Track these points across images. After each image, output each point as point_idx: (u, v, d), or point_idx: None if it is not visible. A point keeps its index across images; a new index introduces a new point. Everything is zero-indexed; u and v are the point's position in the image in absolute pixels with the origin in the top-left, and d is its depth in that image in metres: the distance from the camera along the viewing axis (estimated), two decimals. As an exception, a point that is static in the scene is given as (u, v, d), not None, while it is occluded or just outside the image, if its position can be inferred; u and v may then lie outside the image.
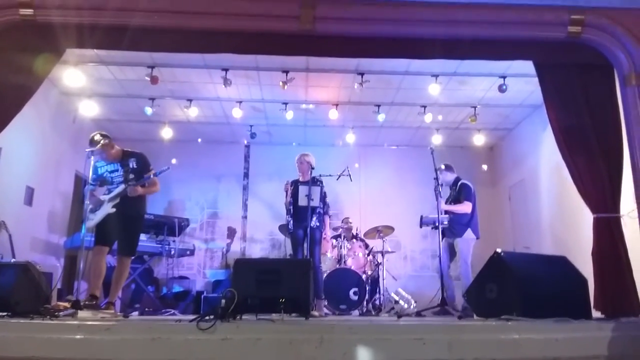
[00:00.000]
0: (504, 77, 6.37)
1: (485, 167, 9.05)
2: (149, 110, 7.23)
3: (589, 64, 4.40)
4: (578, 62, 4.42)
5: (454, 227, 5.72)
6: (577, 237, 5.84)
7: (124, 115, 7.94)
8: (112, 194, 4.69)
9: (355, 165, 8.44)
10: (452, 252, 5.80)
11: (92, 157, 4.54)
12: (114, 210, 4.62)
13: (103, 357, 2.84)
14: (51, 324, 3.08)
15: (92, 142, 4.65)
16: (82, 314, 3.82)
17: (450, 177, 6.11)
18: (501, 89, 6.38)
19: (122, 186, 4.70)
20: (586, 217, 4.38)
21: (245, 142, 8.82)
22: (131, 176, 4.76)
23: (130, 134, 8.56)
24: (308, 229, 5.27)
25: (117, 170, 4.81)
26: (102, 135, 4.74)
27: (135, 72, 6.51)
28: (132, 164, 4.82)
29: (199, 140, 8.64)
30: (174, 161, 8.13)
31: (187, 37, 4.33)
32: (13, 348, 2.87)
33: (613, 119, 4.31)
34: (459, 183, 5.99)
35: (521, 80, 6.42)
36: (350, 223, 7.51)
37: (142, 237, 6.75)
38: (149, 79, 6.31)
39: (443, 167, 6.00)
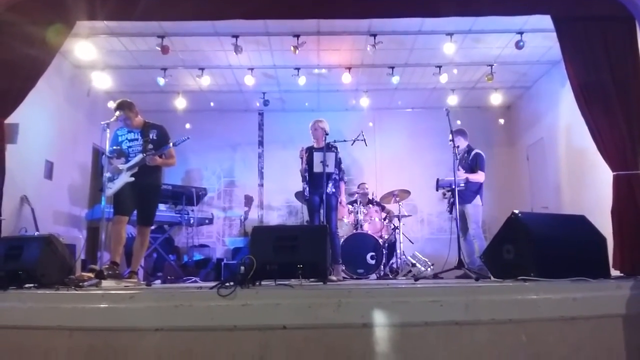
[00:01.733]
0: (521, 33, 6.19)
1: (502, 121, 8.88)
2: (161, 81, 7.22)
3: (608, 16, 4.26)
4: (597, 14, 4.28)
5: (465, 193, 5.82)
6: (596, 196, 5.76)
7: (137, 87, 7.93)
8: (130, 163, 4.74)
9: (370, 124, 8.36)
10: (462, 218, 5.87)
11: (108, 129, 4.58)
12: (132, 179, 4.67)
13: (127, 324, 2.93)
14: (76, 294, 3.17)
15: (120, 107, 4.73)
16: (105, 283, 3.93)
17: (463, 143, 6.12)
18: (518, 45, 6.22)
19: (140, 155, 4.74)
20: (606, 176, 4.32)
21: (258, 106, 8.73)
22: (150, 147, 4.80)
23: (144, 105, 8.45)
24: (324, 195, 5.28)
25: (137, 140, 4.85)
26: (128, 102, 4.82)
27: (146, 42, 6.47)
28: (153, 135, 4.86)
29: (212, 104, 8.55)
30: (187, 126, 8.18)
31: (197, 4, 4.30)
32: (41, 318, 2.98)
33: (634, 74, 4.20)
34: (473, 152, 6.05)
35: (539, 36, 6.22)
36: (367, 188, 7.51)
37: (162, 207, 6.87)
38: (159, 49, 6.29)
39: (452, 134, 5.93)
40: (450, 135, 5.14)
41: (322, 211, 5.37)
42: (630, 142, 4.12)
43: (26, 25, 4.18)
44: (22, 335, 2.96)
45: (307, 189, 5.46)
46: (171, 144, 4.84)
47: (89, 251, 7.19)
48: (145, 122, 4.97)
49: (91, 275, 4.01)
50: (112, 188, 4.67)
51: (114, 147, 4.81)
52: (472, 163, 5.99)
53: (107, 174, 4.64)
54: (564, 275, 3.30)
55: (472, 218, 5.85)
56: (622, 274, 3.90)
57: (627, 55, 4.24)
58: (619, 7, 4.12)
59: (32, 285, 3.43)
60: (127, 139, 4.85)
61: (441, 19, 5.62)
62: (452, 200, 5.69)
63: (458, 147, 5.63)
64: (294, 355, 2.87)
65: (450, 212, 5.99)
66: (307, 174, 5.46)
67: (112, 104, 4.93)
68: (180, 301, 2.97)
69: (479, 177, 5.93)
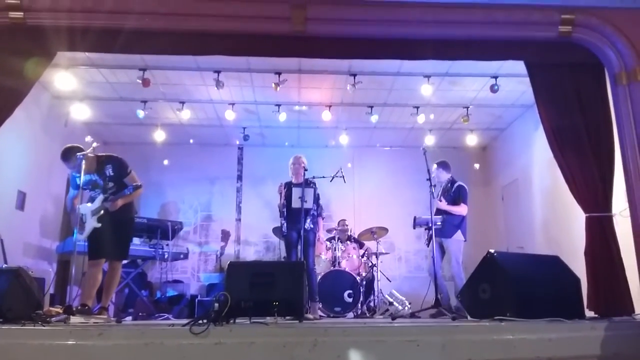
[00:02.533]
0: (496, 77, 6.39)
1: (477, 165, 9.07)
2: (141, 113, 7.19)
3: (580, 63, 4.43)
4: (569, 61, 4.45)
5: (446, 227, 5.71)
6: (570, 237, 5.87)
7: (116, 119, 7.90)
8: (94, 207, 4.57)
9: (348, 165, 8.43)
10: (442, 252, 5.81)
11: (84, 160, 4.45)
12: (99, 225, 4.52)
13: (95, 362, 2.82)
14: (43, 330, 3.06)
15: (63, 160, 4.53)
16: (74, 319, 3.79)
17: (445, 175, 6.07)
18: (493, 89, 6.40)
19: (101, 196, 4.59)
20: (579, 217, 4.40)
21: (238, 142, 8.76)
22: (110, 184, 4.66)
23: (122, 137, 8.54)
24: (302, 231, 5.27)
25: (94, 181, 4.66)
26: (64, 152, 4.57)
27: (127, 74, 6.48)
28: (109, 171, 4.66)
29: (191, 141, 8.55)
30: (165, 162, 8.12)
31: (179, 39, 4.32)
32: (4, 355, 2.85)
33: (604, 118, 4.34)
34: (457, 184, 5.96)
35: (513, 80, 6.45)
36: (347, 225, 7.51)
37: (136, 240, 6.72)
38: (140, 81, 6.28)
39: (436, 165, 5.99)
40: (428, 174, 5.22)
41: (299, 247, 5.34)
42: (602, 184, 4.22)
43: (4, 56, 4.15)
44: (-17, 373, 2.83)
45: (285, 224, 5.44)
46: (129, 189, 4.62)
47: (58, 285, 6.97)
48: (98, 158, 4.69)
49: (59, 310, 3.87)
50: (82, 234, 4.50)
51: (75, 186, 4.64)
52: (455, 195, 5.89)
53: (79, 213, 4.48)
54: (540, 315, 3.33)
55: (453, 255, 5.67)
56: (596, 315, 3.94)
57: (597, 100, 4.39)
58: (589, 54, 4.31)
59: (-4, 320, 3.30)
60: (84, 182, 4.56)
61: (419, 62, 5.81)
62: (430, 233, 5.58)
63: (435, 185, 5.67)
64: (267, 396, 2.80)
65: (428, 245, 5.87)
66: (285, 210, 5.46)
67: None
68: (151, 339, 2.89)
69: (461, 209, 5.78)
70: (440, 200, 5.74)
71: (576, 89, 4.44)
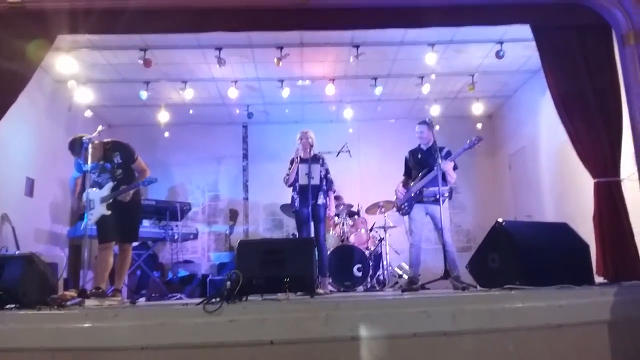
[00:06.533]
0: (501, 43, 6.29)
1: (479, 125, 8.67)
2: (144, 94, 7.17)
3: (586, 25, 4.34)
4: (575, 24, 4.36)
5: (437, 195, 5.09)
6: (578, 203, 5.84)
7: (120, 101, 7.87)
8: (102, 194, 4.62)
9: (350, 130, 8.33)
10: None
11: (91, 144, 4.46)
12: (109, 212, 4.58)
13: (112, 344, 2.88)
14: (58, 314, 3.11)
15: (74, 149, 4.55)
16: (89, 302, 3.85)
17: (428, 135, 5.43)
18: (498, 55, 6.30)
19: (110, 184, 4.64)
20: (587, 183, 4.37)
21: (245, 112, 8.45)
22: (118, 171, 4.69)
23: (126, 119, 8.52)
24: (313, 207, 5.28)
25: (102, 168, 4.69)
26: (70, 143, 4.60)
27: (128, 55, 6.42)
28: (117, 158, 4.70)
29: (191, 112, 8.27)
30: (166, 134, 8.13)
31: (180, 16, 4.28)
32: (23, 339, 2.91)
33: (612, 81, 4.27)
34: (446, 149, 5.37)
35: (519, 45, 6.33)
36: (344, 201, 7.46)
37: (145, 222, 6.79)
38: (142, 62, 6.25)
39: (424, 125, 5.47)
40: (434, 145, 5.17)
41: (310, 223, 5.35)
42: (610, 149, 4.18)
43: (6, 39, 4.13)
44: (3, 358, 2.89)
45: (298, 199, 5.43)
46: (139, 183, 4.69)
47: (71, 270, 7.06)
48: (105, 147, 4.72)
49: (74, 294, 3.93)
50: (90, 219, 4.55)
51: (78, 174, 4.68)
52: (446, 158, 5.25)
53: (88, 197, 4.52)
54: (549, 282, 3.34)
55: (446, 223, 5.12)
56: (605, 281, 3.95)
57: (605, 63, 4.32)
58: (596, 16, 4.21)
59: (13, 305, 3.35)
60: (91, 167, 4.59)
61: (423, 30, 5.69)
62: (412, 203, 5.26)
63: (425, 137, 5.39)
64: (282, 371, 2.85)
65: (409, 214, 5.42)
66: (297, 184, 5.45)
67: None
68: (166, 319, 2.94)
69: (455, 175, 5.32)
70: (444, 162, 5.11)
71: (583, 52, 4.36)
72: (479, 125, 8.64)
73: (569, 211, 6.33)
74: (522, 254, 3.55)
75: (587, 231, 4.08)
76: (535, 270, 3.43)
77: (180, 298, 5.44)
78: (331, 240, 6.90)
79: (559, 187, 6.95)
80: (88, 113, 7.93)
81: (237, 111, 8.35)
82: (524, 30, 4.71)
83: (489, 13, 4.39)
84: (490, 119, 9.28)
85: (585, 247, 3.76)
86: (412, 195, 5.34)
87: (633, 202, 4.09)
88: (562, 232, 3.91)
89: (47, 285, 3.65)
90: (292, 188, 5.57)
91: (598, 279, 3.91)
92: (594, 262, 3.89)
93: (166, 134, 8.42)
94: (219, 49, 6.26)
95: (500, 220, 3.83)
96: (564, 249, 3.70)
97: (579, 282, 3.40)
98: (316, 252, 4.42)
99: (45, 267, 3.75)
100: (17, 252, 5.40)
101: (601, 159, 4.19)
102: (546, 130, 7.22)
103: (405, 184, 5.57)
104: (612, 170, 4.15)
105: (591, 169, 4.25)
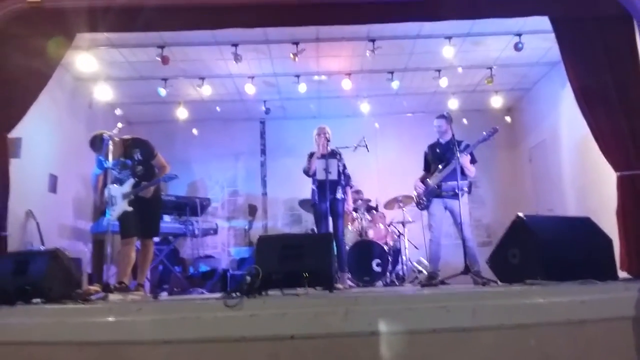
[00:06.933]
0: (520, 35, 6.19)
1: (508, 118, 8.67)
2: (162, 91, 7.24)
3: (607, 15, 4.27)
4: (596, 14, 4.29)
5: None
6: (601, 197, 5.74)
7: (139, 98, 7.96)
8: (124, 190, 4.71)
9: (376, 125, 8.31)
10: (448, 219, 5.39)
11: (111, 141, 4.55)
12: (131, 209, 4.66)
13: (135, 337, 2.92)
14: (83, 308, 3.18)
15: (94, 146, 4.66)
16: (112, 297, 3.92)
17: (447, 128, 5.42)
18: (517, 47, 6.20)
19: (131, 180, 4.72)
20: (610, 176, 4.30)
21: (263, 108, 8.49)
22: (139, 168, 4.76)
23: (145, 116, 8.62)
24: (332, 202, 5.29)
25: (123, 165, 4.78)
26: (91, 140, 4.70)
27: (147, 53, 6.49)
28: (137, 155, 4.79)
29: (218, 108, 8.42)
30: (195, 131, 8.19)
31: (197, 13, 4.33)
32: (48, 333, 2.97)
33: (634, 73, 4.20)
34: (464, 143, 5.33)
35: (537, 37, 6.22)
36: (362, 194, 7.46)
37: (166, 218, 6.87)
38: (160, 59, 6.31)
39: (444, 115, 5.48)
40: (453, 139, 5.13)
41: (329, 218, 5.37)
42: (633, 142, 4.11)
43: (27, 38, 4.21)
44: (30, 351, 2.96)
45: (317, 194, 5.45)
46: (160, 178, 4.79)
47: (94, 264, 7.19)
48: (125, 144, 4.82)
49: (98, 288, 4.01)
50: (112, 215, 4.64)
51: (100, 171, 4.76)
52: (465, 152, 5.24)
53: (109, 193, 4.59)
54: (571, 278, 3.29)
55: (465, 218, 5.10)
56: (629, 276, 3.88)
57: (626, 54, 4.25)
58: (617, 6, 4.12)
59: (39, 300, 3.42)
60: (113, 164, 4.68)
61: (439, 23, 5.63)
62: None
63: (443, 131, 5.41)
64: (302, 365, 2.87)
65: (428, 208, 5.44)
66: (316, 179, 5.47)
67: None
68: (188, 313, 2.97)
69: (474, 169, 5.31)
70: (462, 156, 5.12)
71: (604, 43, 4.29)
72: (508, 118, 8.53)
73: (591, 205, 6.23)
74: (544, 248, 3.51)
75: (610, 225, 4.01)
76: (557, 266, 3.39)
77: (202, 292, 5.50)
78: (350, 236, 6.90)
79: (581, 181, 6.83)
80: (118, 111, 8.05)
81: (263, 108, 8.32)
82: (543, 22, 4.62)
83: (507, 5, 4.35)
84: (509, 112, 9.15)
85: (609, 241, 3.70)
86: (430, 189, 5.31)
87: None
88: (585, 227, 3.85)
89: (72, 280, 3.72)
90: (311, 181, 5.59)
91: (622, 274, 3.85)
92: (618, 257, 3.82)
93: (194, 131, 8.49)
94: (236, 45, 6.28)
95: (520, 214, 3.79)
96: (586, 243, 3.64)
97: (602, 278, 3.34)
98: (335, 248, 4.43)
99: (69, 262, 3.82)
100: (42, 247, 5.51)
101: (623, 151, 4.12)
102: (567, 122, 7.10)
103: (425, 179, 5.54)
104: (635, 164, 4.09)
105: (613, 162, 4.18)
